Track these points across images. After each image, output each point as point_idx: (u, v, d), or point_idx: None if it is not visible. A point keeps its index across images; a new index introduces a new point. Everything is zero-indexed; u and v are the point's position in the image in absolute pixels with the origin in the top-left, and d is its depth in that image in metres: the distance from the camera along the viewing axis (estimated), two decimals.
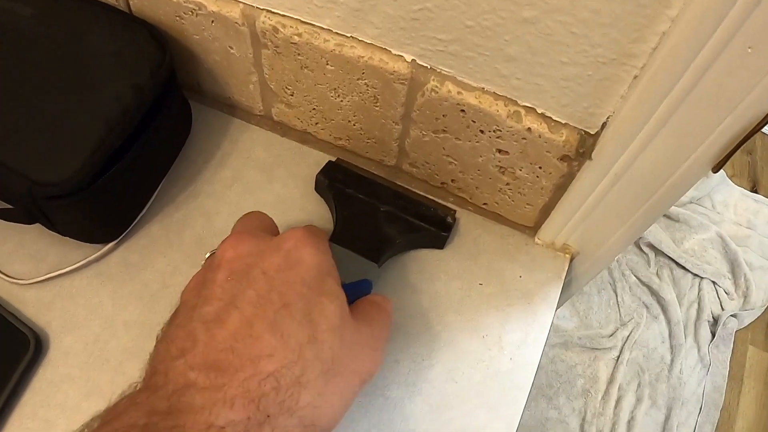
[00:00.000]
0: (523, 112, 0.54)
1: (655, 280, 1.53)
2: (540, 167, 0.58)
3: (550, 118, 0.54)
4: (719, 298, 1.56)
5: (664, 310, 1.52)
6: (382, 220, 0.63)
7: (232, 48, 0.62)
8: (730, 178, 1.80)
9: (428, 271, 0.65)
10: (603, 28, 0.45)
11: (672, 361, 1.46)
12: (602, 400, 1.37)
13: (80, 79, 0.59)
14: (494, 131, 0.56)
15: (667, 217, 1.63)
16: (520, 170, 0.59)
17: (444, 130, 0.59)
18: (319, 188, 0.67)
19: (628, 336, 1.47)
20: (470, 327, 0.62)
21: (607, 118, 0.52)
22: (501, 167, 0.60)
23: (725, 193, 1.73)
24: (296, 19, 0.57)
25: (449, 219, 0.65)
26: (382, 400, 0.59)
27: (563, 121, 0.54)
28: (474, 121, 0.56)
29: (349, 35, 0.56)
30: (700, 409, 1.42)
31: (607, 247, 0.65)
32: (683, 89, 0.44)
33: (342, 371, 0.44)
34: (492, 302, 0.64)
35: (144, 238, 0.65)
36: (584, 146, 0.55)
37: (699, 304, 1.54)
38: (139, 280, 0.62)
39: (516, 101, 0.54)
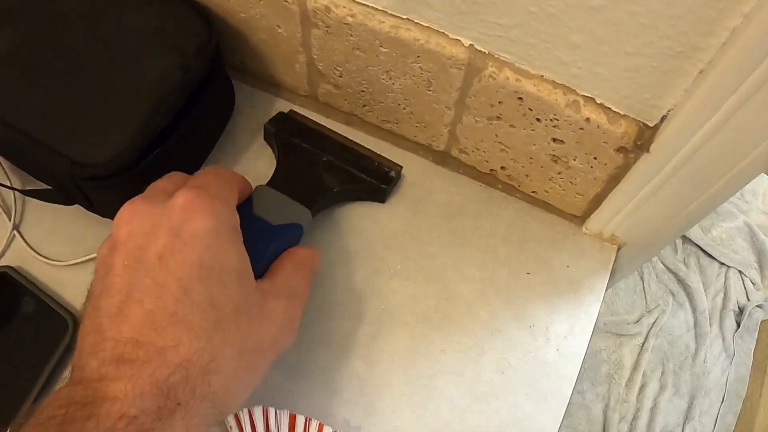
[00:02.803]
0: (582, 101, 0.53)
1: (681, 268, 1.51)
2: (595, 158, 0.57)
3: (610, 108, 0.53)
4: (745, 288, 1.55)
5: (690, 298, 1.51)
6: (323, 169, 0.63)
7: (279, 27, 0.61)
8: None
9: (479, 258, 0.64)
10: (673, 20, 0.43)
11: (696, 349, 1.45)
12: (626, 386, 1.37)
13: (122, 56, 0.57)
14: (551, 120, 0.55)
15: None
16: (574, 160, 0.58)
17: (498, 117, 0.58)
18: (266, 137, 0.67)
19: (654, 323, 1.46)
20: (517, 316, 0.62)
21: (668, 111, 0.50)
22: (554, 156, 0.59)
23: (754, 182, 1.70)
24: None
25: (392, 173, 0.65)
26: (429, 391, 0.58)
27: (622, 113, 0.53)
28: (531, 109, 0.55)
29: (405, 17, 0.54)
30: (723, 398, 1.41)
31: (655, 239, 0.64)
32: (750, 87, 0.42)
33: (254, 348, 0.44)
34: (539, 291, 0.63)
35: None
36: (642, 138, 0.53)
37: (725, 294, 1.53)
38: None
39: (575, 90, 0.53)
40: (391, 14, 0.54)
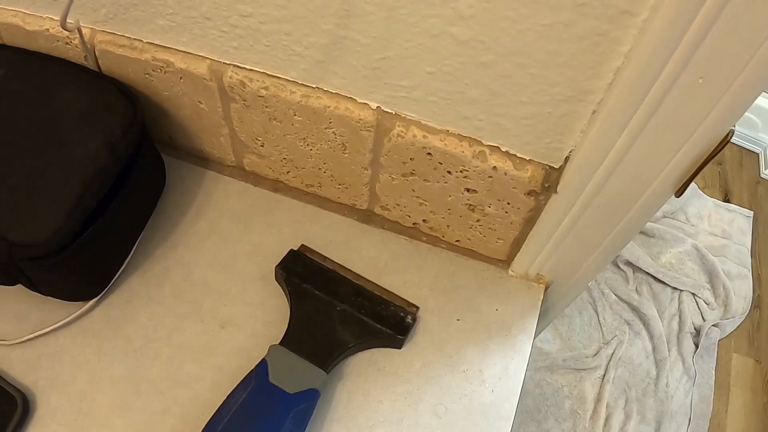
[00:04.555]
0: (487, 151, 0.56)
1: (634, 297, 1.54)
2: (508, 203, 0.60)
3: (515, 155, 0.56)
4: (700, 309, 1.58)
5: (646, 325, 1.53)
6: (338, 321, 0.62)
7: (201, 103, 0.64)
8: (702, 190, 1.83)
9: None
10: (559, 68, 0.47)
11: (657, 375, 1.47)
12: (591, 419, 1.38)
13: (53, 139, 0.59)
14: (461, 171, 0.58)
15: (643, 233, 1.65)
16: (489, 207, 0.61)
17: (412, 173, 0.60)
18: (278, 279, 0.67)
19: (612, 354, 1.48)
20: (451, 362, 0.63)
21: (570, 152, 0.53)
22: (470, 205, 0.62)
23: (698, 205, 1.75)
24: (262, 72, 0.58)
25: (408, 319, 0.64)
26: None
27: (527, 158, 0.56)
28: (441, 163, 0.58)
29: (314, 86, 0.57)
30: (689, 420, 1.43)
31: (580, 274, 0.66)
32: (640, 120, 0.46)
33: None
34: (471, 337, 0.65)
35: (125, 293, 0.65)
36: (549, 180, 0.56)
37: (680, 317, 1.56)
38: (123, 336, 0.63)
39: (480, 141, 0.56)
40: (301, 84, 0.57)
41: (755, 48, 0.38)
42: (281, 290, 0.66)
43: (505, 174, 0.56)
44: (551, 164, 0.55)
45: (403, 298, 0.66)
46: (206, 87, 0.61)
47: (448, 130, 0.56)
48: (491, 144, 0.56)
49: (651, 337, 1.51)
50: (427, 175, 0.60)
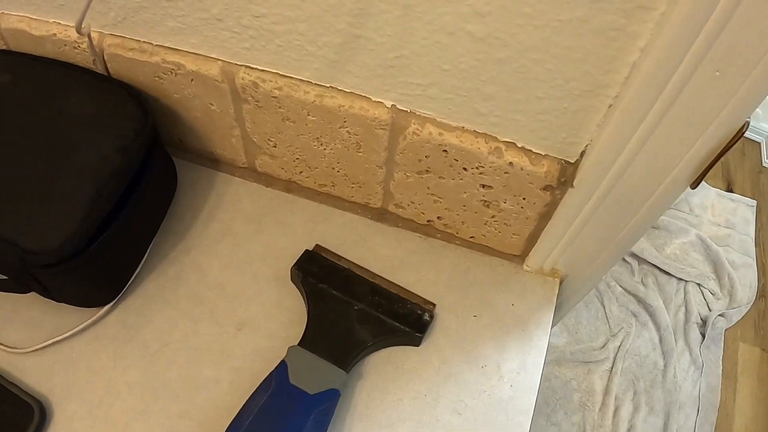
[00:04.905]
0: (503, 147, 0.56)
1: (640, 288, 1.54)
2: (524, 198, 0.59)
3: (530, 150, 0.56)
4: (705, 300, 1.58)
5: (653, 316, 1.53)
6: (355, 320, 0.62)
7: (212, 104, 0.63)
8: (705, 181, 1.83)
9: None
10: (576, 63, 0.47)
11: (665, 366, 1.47)
12: (600, 411, 1.38)
13: (64, 144, 0.59)
14: (477, 168, 0.58)
15: None
16: (505, 203, 0.61)
17: (428, 171, 0.60)
18: (294, 280, 0.66)
19: (620, 346, 1.48)
20: (469, 359, 0.63)
21: (586, 146, 0.53)
22: (486, 201, 0.62)
23: (701, 196, 1.76)
24: (275, 73, 0.58)
25: (426, 317, 0.64)
26: None
27: (543, 153, 0.56)
28: (456, 160, 0.58)
29: (328, 85, 0.57)
30: (698, 410, 1.43)
31: (595, 267, 0.66)
32: (657, 114, 0.46)
33: None
34: (488, 333, 0.65)
35: (140, 297, 0.65)
36: (565, 175, 0.56)
37: (686, 308, 1.56)
38: (139, 340, 0.62)
39: (496, 137, 0.56)
40: (315, 84, 0.57)
41: None
42: (297, 291, 0.66)
43: (521, 169, 0.56)
44: (567, 159, 0.55)
45: (419, 296, 0.65)
46: (218, 88, 0.61)
47: (463, 127, 0.56)
48: (507, 140, 0.56)
49: (658, 328, 1.51)
50: (443, 172, 0.60)
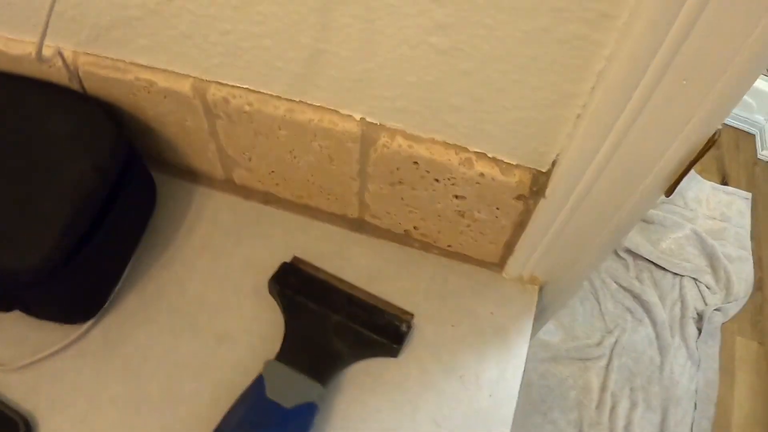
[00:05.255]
0: (474, 158, 0.56)
1: (636, 284, 1.54)
2: (497, 208, 0.59)
3: (501, 161, 0.55)
4: (701, 294, 1.57)
5: (648, 312, 1.53)
6: (333, 332, 0.62)
7: (187, 120, 0.63)
8: (699, 174, 1.83)
9: None
10: (541, 73, 0.46)
11: (662, 362, 1.47)
12: (597, 409, 1.38)
13: (41, 163, 0.59)
14: (448, 179, 0.58)
15: (642, 219, 1.65)
16: (479, 212, 0.61)
17: (400, 182, 0.60)
18: (272, 293, 0.66)
19: (616, 342, 1.48)
20: (447, 369, 0.63)
21: (557, 155, 0.53)
22: (460, 211, 0.61)
23: (696, 190, 1.75)
24: (245, 88, 0.58)
25: (404, 327, 0.64)
26: None
27: (514, 163, 0.55)
28: (428, 171, 0.58)
29: (298, 100, 0.57)
30: (695, 406, 1.43)
31: (574, 273, 0.66)
32: (625, 123, 0.46)
33: None
34: (466, 342, 0.65)
35: (121, 313, 0.65)
36: (537, 184, 0.56)
37: (682, 302, 1.56)
38: (121, 356, 0.63)
39: (466, 148, 0.55)
40: (285, 99, 0.57)
41: (737, 48, 0.38)
42: (275, 303, 0.66)
43: (493, 180, 0.56)
44: (539, 168, 0.55)
45: (397, 306, 0.65)
46: (190, 105, 0.61)
47: (433, 138, 0.56)
48: (477, 150, 0.55)
49: (654, 324, 1.51)
50: (415, 183, 0.60)
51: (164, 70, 0.60)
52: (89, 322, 0.64)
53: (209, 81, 0.59)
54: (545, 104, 0.49)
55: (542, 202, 0.57)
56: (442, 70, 0.49)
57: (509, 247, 0.65)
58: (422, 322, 0.65)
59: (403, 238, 0.69)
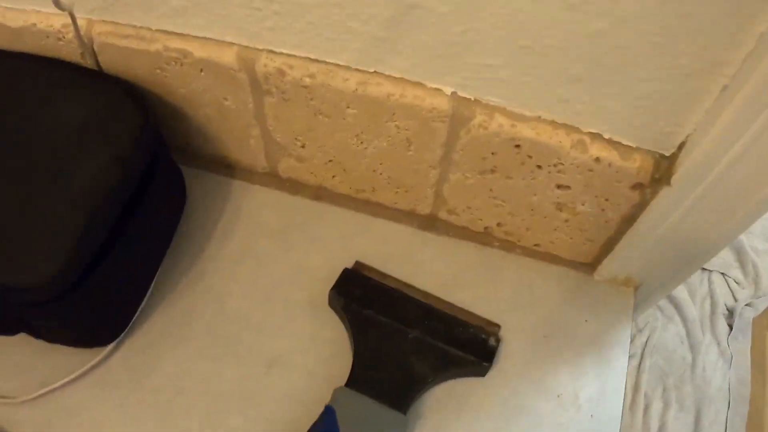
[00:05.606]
0: (588, 139, 0.47)
1: None
2: (607, 199, 0.51)
3: (619, 143, 0.47)
4: (731, 289, 1.52)
5: (678, 309, 1.47)
6: (411, 351, 0.53)
7: (227, 99, 0.54)
8: None
9: None
10: (691, 35, 0.38)
11: (693, 360, 1.41)
12: (630, 410, 1.31)
13: (50, 158, 0.50)
14: (554, 165, 0.49)
15: None
16: (583, 205, 0.52)
17: (493, 170, 0.51)
18: (333, 306, 0.57)
19: (646, 342, 1.41)
20: (541, 388, 0.55)
21: (687, 136, 0.45)
22: (559, 204, 0.53)
23: None
24: (305, 57, 0.49)
25: (492, 341, 0.55)
26: None
27: (634, 145, 0.47)
28: (530, 156, 0.48)
29: (372, 70, 0.48)
30: (729, 404, 1.37)
31: (676, 274, 0.59)
32: None
33: None
34: (560, 355, 0.56)
35: (147, 334, 0.56)
36: (660, 171, 0.47)
37: (712, 298, 1.50)
38: (148, 386, 0.54)
39: (578, 128, 0.47)
40: (356, 69, 0.48)
41: None
42: (337, 318, 0.56)
43: (609, 166, 0.47)
44: (662, 152, 0.47)
45: (481, 317, 0.56)
46: (233, 79, 0.51)
47: (539, 117, 0.47)
48: (592, 131, 0.47)
49: (684, 321, 1.45)
50: (512, 171, 0.50)
51: (201, 38, 0.51)
52: (110, 347, 0.55)
53: (260, 49, 0.49)
54: (686, 73, 0.40)
55: (664, 192, 0.48)
56: (567, 30, 0.40)
57: (609, 246, 0.56)
58: (509, 335, 0.57)
59: (482, 237, 0.60)
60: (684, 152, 0.45)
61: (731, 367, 1.41)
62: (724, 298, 1.48)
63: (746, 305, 1.47)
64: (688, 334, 1.42)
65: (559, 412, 0.54)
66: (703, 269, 1.52)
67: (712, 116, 0.42)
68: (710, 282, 1.49)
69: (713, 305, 1.47)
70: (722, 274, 1.51)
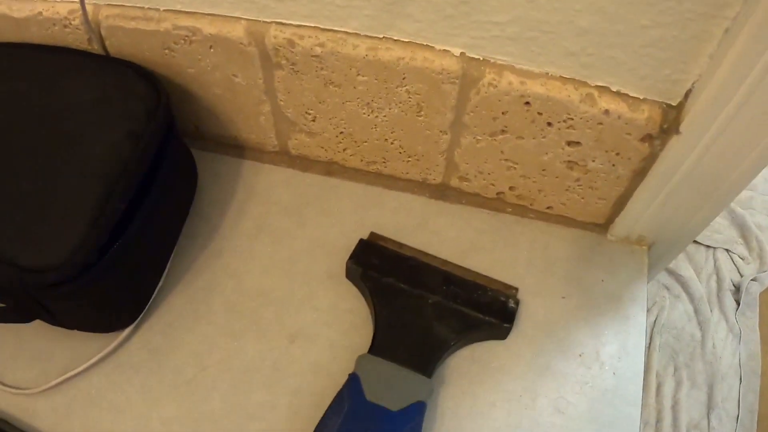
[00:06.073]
0: (596, 93, 0.47)
1: None
2: (617, 154, 0.51)
3: (627, 95, 0.47)
4: (736, 265, 1.51)
5: (685, 287, 1.47)
6: (432, 316, 0.53)
7: (236, 76, 0.54)
8: None
9: None
10: None
11: (703, 337, 1.41)
12: (642, 391, 1.31)
13: (64, 137, 0.50)
14: (564, 121, 0.49)
15: None
16: (594, 161, 0.52)
17: (503, 131, 0.51)
18: (351, 276, 0.57)
19: (655, 321, 1.41)
20: (564, 347, 0.55)
21: (693, 84, 0.45)
22: (570, 162, 0.53)
23: None
24: (314, 27, 0.49)
25: (511, 303, 0.55)
26: None
27: (642, 97, 0.47)
28: (540, 113, 0.49)
29: (381, 36, 0.48)
30: (740, 379, 1.37)
31: (687, 230, 0.58)
32: None
33: None
34: (580, 315, 0.56)
35: (166, 315, 0.56)
36: (667, 121, 0.48)
37: (717, 275, 1.50)
38: (170, 367, 0.54)
39: (587, 82, 0.47)
40: (365, 35, 0.48)
41: None
42: (355, 289, 0.56)
43: (619, 118, 0.47)
44: (669, 102, 0.47)
45: (498, 281, 0.56)
46: (243, 54, 0.51)
47: (547, 73, 0.47)
48: (600, 84, 0.47)
49: (691, 299, 1.45)
50: (522, 130, 0.50)
51: (210, 14, 0.50)
52: (128, 329, 0.54)
53: (268, 21, 0.49)
54: (690, 18, 0.40)
55: (673, 141, 0.48)
56: None
57: (620, 204, 0.56)
58: (528, 297, 0.57)
59: (495, 203, 0.60)
60: (690, 100, 0.45)
61: (741, 343, 1.40)
62: (729, 274, 1.48)
63: (752, 280, 1.47)
64: (696, 311, 1.41)
65: (582, 371, 0.53)
66: (708, 246, 1.52)
67: (716, 61, 0.42)
68: (715, 259, 1.49)
69: (719, 282, 1.47)
70: (726, 250, 1.51)
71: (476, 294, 0.55)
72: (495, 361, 0.54)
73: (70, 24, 0.53)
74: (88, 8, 0.52)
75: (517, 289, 0.56)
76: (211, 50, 0.51)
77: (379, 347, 0.51)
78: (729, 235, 1.53)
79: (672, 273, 1.45)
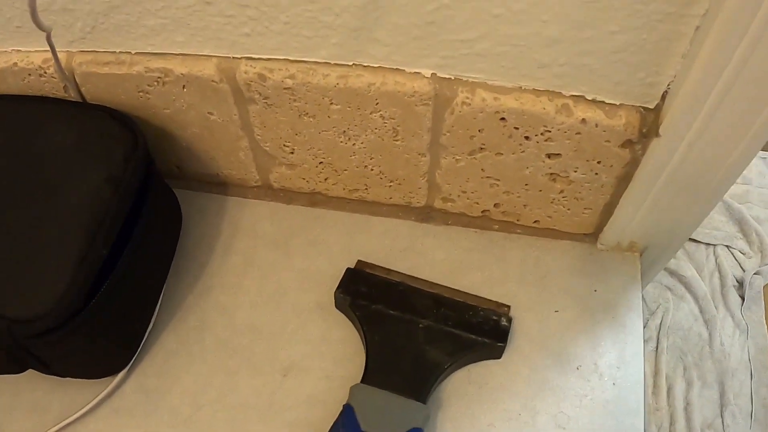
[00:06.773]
0: (571, 103, 0.47)
1: (671, 261, 1.47)
2: (598, 162, 0.50)
3: (603, 102, 0.47)
4: (737, 260, 1.50)
5: (688, 287, 1.45)
6: (423, 340, 0.53)
7: (212, 114, 0.54)
8: None
9: None
10: None
11: (710, 335, 1.39)
12: (653, 394, 1.29)
13: (44, 184, 0.50)
14: (542, 134, 0.49)
15: None
16: (575, 171, 0.52)
17: (482, 148, 0.51)
18: (340, 306, 0.56)
19: (661, 323, 1.40)
20: (560, 361, 0.54)
21: (668, 85, 0.45)
22: (552, 174, 0.52)
23: None
24: (284, 59, 0.49)
25: (504, 322, 0.54)
26: None
27: (618, 102, 0.47)
28: (517, 128, 0.48)
29: (351, 63, 0.48)
30: (751, 374, 1.35)
31: (677, 233, 0.58)
32: (759, 28, 0.37)
33: None
34: (575, 327, 0.56)
35: (159, 356, 0.56)
36: (646, 125, 0.47)
37: (720, 272, 1.49)
38: (166, 408, 0.53)
39: (560, 93, 0.47)
40: (335, 64, 0.48)
41: None
42: (346, 318, 0.56)
43: (596, 126, 0.47)
44: (646, 105, 0.47)
45: (489, 299, 0.56)
46: (216, 91, 0.51)
47: (520, 87, 0.47)
48: (574, 93, 0.47)
49: (695, 298, 1.43)
50: (500, 146, 0.50)
51: (180, 55, 0.50)
52: (122, 373, 0.54)
53: (238, 57, 0.49)
54: (658, 19, 0.40)
55: (654, 144, 0.48)
56: None
57: (607, 212, 0.56)
58: (521, 313, 0.56)
59: (481, 221, 0.60)
60: (668, 101, 0.45)
61: (748, 338, 1.39)
62: (732, 270, 1.47)
63: (755, 274, 1.46)
64: (702, 310, 1.40)
65: (581, 384, 0.53)
66: (708, 244, 1.51)
67: (690, 59, 0.41)
68: (716, 256, 1.48)
69: (722, 278, 1.46)
70: (727, 246, 1.50)
71: (467, 315, 0.54)
72: (492, 380, 0.53)
73: (45, 73, 0.53)
74: (61, 56, 0.52)
75: (509, 307, 0.56)
76: (185, 90, 0.51)
77: (371, 375, 0.50)
78: (728, 231, 1.52)
79: (674, 274, 1.44)
